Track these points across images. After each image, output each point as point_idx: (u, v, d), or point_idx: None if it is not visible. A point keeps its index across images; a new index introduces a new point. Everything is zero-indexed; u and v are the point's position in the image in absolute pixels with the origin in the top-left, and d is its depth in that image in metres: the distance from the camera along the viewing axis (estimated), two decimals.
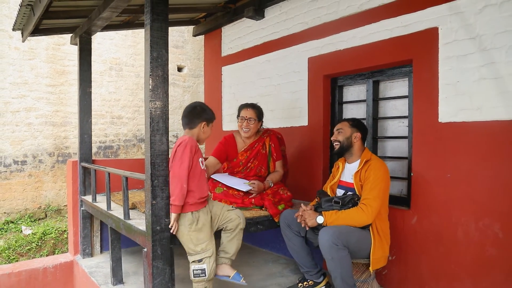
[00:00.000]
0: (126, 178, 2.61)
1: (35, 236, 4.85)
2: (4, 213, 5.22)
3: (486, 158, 2.28)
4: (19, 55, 5.29)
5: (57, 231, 5.03)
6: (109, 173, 2.97)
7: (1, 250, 4.53)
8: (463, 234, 2.38)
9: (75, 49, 5.49)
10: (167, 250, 2.20)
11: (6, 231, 4.94)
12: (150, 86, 2.12)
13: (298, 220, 2.51)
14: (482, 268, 2.30)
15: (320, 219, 2.38)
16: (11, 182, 5.27)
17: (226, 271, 2.36)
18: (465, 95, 2.36)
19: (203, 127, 2.38)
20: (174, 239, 2.26)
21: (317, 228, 2.43)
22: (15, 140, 5.29)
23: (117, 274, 2.99)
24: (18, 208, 5.34)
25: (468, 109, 2.35)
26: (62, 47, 5.65)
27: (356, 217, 2.34)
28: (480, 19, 2.28)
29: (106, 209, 2.95)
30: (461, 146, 2.39)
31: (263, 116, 3.18)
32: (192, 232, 2.21)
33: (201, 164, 2.30)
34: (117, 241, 3.01)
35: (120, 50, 6.21)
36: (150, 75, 2.12)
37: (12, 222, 5.21)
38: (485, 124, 2.28)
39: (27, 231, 4.93)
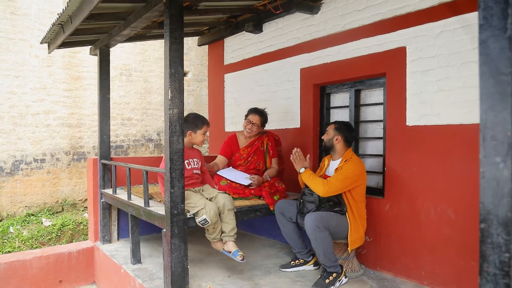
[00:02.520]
0: (146, 172, 3.09)
1: (54, 227, 5.33)
2: (26, 206, 5.72)
3: (442, 155, 2.77)
4: (38, 63, 5.77)
5: (74, 223, 5.51)
6: (129, 168, 3.44)
7: (25, 239, 5.03)
8: (425, 218, 2.88)
9: (89, 57, 5.98)
10: (182, 230, 2.68)
11: (28, 223, 5.43)
12: (169, 96, 2.60)
13: (290, 158, 3.06)
14: (438, 244, 2.79)
15: (302, 170, 2.99)
16: (31, 179, 5.76)
17: (229, 247, 2.86)
18: (427, 103, 2.85)
19: (190, 135, 2.98)
20: (187, 222, 2.76)
21: (304, 213, 2.93)
22: (35, 140, 5.78)
23: (136, 255, 3.46)
24: (38, 202, 5.83)
25: (429, 115, 2.84)
26: (77, 55, 6.13)
27: (318, 185, 2.84)
28: (438, 42, 2.77)
29: (127, 199, 3.41)
30: (423, 145, 2.89)
31: (266, 122, 3.66)
32: (186, 200, 2.76)
33: (186, 165, 2.90)
34: (136, 226, 3.47)
35: (130, 57, 6.68)
36: (169, 87, 2.60)
37: (33, 215, 5.70)
38: (442, 127, 2.77)
39: (47, 222, 5.42)
